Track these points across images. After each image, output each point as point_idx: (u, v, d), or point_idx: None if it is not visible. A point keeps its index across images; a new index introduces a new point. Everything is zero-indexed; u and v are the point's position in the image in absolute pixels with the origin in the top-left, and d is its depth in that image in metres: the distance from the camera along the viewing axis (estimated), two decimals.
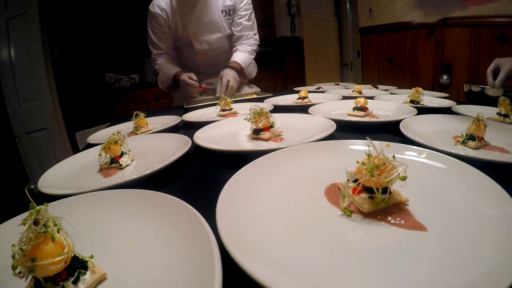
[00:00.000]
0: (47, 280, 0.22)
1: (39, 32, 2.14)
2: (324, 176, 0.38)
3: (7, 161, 1.77)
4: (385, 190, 0.30)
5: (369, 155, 0.30)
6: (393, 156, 0.31)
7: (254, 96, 1.31)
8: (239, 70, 1.30)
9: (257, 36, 1.40)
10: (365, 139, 0.34)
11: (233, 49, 1.37)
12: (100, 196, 0.36)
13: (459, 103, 0.89)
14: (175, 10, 1.25)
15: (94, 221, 0.32)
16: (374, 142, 0.32)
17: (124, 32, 2.76)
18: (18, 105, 2.20)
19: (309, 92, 1.14)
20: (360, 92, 1.15)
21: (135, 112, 0.80)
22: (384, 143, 0.44)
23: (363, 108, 0.75)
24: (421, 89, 0.90)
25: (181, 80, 1.27)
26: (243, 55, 1.33)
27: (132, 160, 0.55)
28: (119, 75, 2.70)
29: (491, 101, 0.81)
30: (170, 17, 1.26)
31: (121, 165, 0.52)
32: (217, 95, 1.24)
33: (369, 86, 1.40)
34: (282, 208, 0.32)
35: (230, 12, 1.32)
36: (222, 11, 1.29)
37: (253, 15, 1.38)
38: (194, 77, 1.27)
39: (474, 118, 0.51)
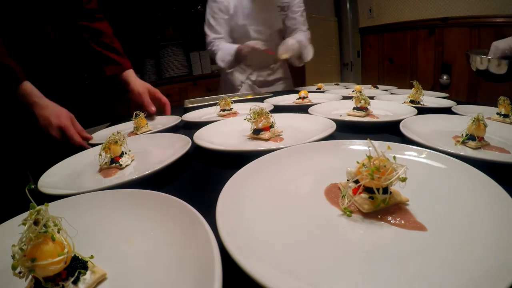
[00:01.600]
0: (47, 280, 0.22)
1: None
2: (324, 176, 0.38)
3: (7, 161, 1.76)
4: (385, 190, 0.30)
5: (369, 157, 0.30)
6: (394, 157, 0.31)
7: (254, 96, 1.33)
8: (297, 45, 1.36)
9: (308, 32, 1.49)
10: (366, 139, 0.34)
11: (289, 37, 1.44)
12: (100, 196, 0.36)
13: (459, 103, 0.89)
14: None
15: (94, 221, 0.32)
16: (374, 142, 0.32)
17: (124, 32, 2.76)
18: None
19: (309, 92, 1.14)
20: (360, 92, 1.15)
21: (135, 112, 0.80)
22: (384, 143, 0.44)
23: (363, 108, 0.75)
24: (419, 85, 0.90)
25: (246, 46, 1.29)
26: (299, 36, 1.42)
27: (132, 160, 0.55)
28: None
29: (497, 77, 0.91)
30: (231, 5, 1.34)
31: (121, 165, 0.52)
32: (278, 56, 1.31)
33: (369, 86, 1.40)
34: (282, 208, 0.32)
35: (285, 8, 1.42)
36: (277, 6, 1.40)
37: (305, 13, 1.49)
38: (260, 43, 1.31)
39: (474, 118, 0.51)
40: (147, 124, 0.82)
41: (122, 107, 2.59)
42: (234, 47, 1.34)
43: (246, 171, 0.38)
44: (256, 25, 1.38)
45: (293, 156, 0.44)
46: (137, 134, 0.77)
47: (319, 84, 1.45)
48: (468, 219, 0.28)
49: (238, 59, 1.35)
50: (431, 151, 0.41)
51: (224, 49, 1.37)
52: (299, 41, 1.32)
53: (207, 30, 1.40)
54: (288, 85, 1.60)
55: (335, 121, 0.63)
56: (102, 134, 0.82)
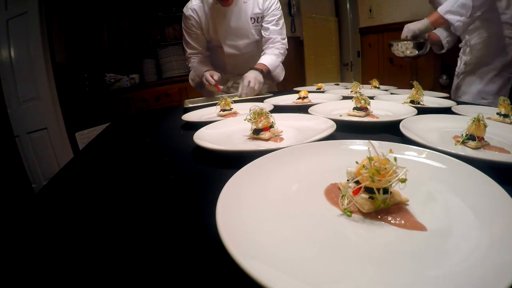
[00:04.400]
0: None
1: (39, 32, 2.13)
2: (324, 176, 0.38)
3: (7, 161, 1.77)
4: (385, 190, 0.30)
5: (370, 158, 0.30)
6: (395, 159, 0.31)
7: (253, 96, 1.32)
8: (264, 72, 1.33)
9: (285, 41, 1.44)
10: (366, 139, 0.33)
11: (262, 53, 1.42)
12: None
13: (459, 103, 0.89)
14: (207, 15, 1.32)
15: None
16: (374, 142, 0.31)
17: (124, 32, 2.76)
18: (18, 105, 2.20)
19: (309, 92, 1.14)
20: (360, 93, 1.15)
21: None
22: (385, 143, 0.44)
23: (363, 108, 0.75)
24: (419, 85, 0.91)
25: (203, 75, 1.35)
26: (270, 57, 1.38)
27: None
28: (119, 75, 2.70)
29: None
30: (203, 20, 1.34)
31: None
32: (238, 95, 1.29)
33: (369, 86, 1.40)
34: (282, 208, 0.32)
35: (259, 19, 1.38)
36: (250, 18, 1.36)
37: (281, 20, 1.42)
38: (216, 76, 1.34)
39: (474, 118, 0.51)
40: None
41: (122, 107, 2.59)
42: (202, 71, 1.38)
43: (246, 171, 0.38)
44: (230, 39, 1.37)
45: (293, 156, 0.44)
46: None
47: (319, 84, 1.45)
48: (468, 219, 0.28)
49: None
50: (431, 151, 0.41)
51: (195, 69, 1.43)
52: (255, 77, 1.27)
53: (184, 45, 1.44)
54: (263, 88, 1.53)
55: (335, 121, 0.63)
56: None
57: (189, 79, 1.51)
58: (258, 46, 1.45)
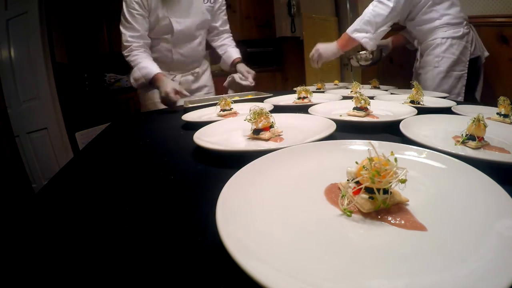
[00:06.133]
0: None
1: (39, 32, 2.14)
2: (324, 176, 0.38)
3: (7, 161, 1.77)
4: (385, 190, 0.30)
5: (370, 159, 0.30)
6: (395, 160, 0.31)
7: (253, 96, 1.33)
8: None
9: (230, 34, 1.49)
10: (365, 139, 0.33)
11: (219, 44, 1.43)
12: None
13: (459, 103, 0.89)
14: None
15: None
16: (374, 142, 0.31)
17: None
18: (18, 105, 2.20)
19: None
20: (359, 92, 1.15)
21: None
22: (385, 143, 0.44)
23: (363, 108, 0.75)
24: (419, 85, 0.91)
25: (164, 91, 1.13)
26: (237, 50, 1.42)
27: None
28: (119, 75, 2.70)
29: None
30: None
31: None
32: (248, 83, 1.32)
33: (369, 86, 1.41)
34: (282, 208, 0.32)
35: (211, 0, 1.34)
36: None
37: (225, 11, 1.44)
38: (183, 92, 1.18)
39: (474, 118, 0.51)
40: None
41: (122, 107, 2.59)
42: (152, 72, 1.18)
43: (246, 171, 0.38)
44: (180, 16, 1.25)
45: (293, 156, 0.44)
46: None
47: (319, 84, 1.45)
48: (468, 219, 0.28)
49: (153, 86, 1.21)
50: (431, 151, 0.41)
51: (141, 69, 1.20)
52: (248, 69, 1.35)
53: (122, 28, 1.23)
54: (211, 93, 1.52)
55: (335, 121, 0.63)
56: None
57: (130, 78, 1.25)
58: (205, 34, 1.39)
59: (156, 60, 1.29)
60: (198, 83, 1.46)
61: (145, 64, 1.21)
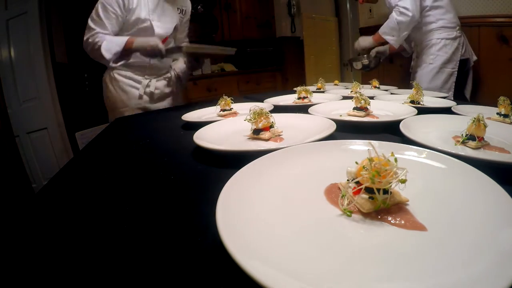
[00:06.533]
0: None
1: (39, 32, 2.13)
2: (324, 176, 0.38)
3: (7, 161, 1.77)
4: (385, 190, 0.30)
5: (370, 159, 0.30)
6: (396, 160, 0.31)
7: (218, 51, 1.48)
8: None
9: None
10: (365, 139, 0.33)
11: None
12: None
13: (459, 103, 0.89)
14: None
15: None
16: (374, 142, 0.31)
17: None
18: (18, 105, 2.20)
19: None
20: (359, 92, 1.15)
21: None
22: (385, 143, 0.44)
23: (363, 108, 0.75)
24: (419, 85, 0.91)
25: (153, 41, 1.15)
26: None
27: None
28: None
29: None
30: None
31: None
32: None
33: (369, 86, 1.40)
34: (282, 208, 0.32)
35: (183, 12, 1.43)
36: (177, 8, 1.38)
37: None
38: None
39: (474, 118, 0.51)
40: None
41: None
42: (124, 38, 1.18)
43: (246, 171, 0.38)
44: (159, 20, 1.27)
45: (293, 156, 0.44)
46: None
47: (319, 84, 1.45)
48: (468, 219, 0.28)
49: (128, 52, 1.20)
50: (431, 151, 0.41)
51: (111, 40, 1.17)
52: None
53: (91, 23, 1.19)
54: (176, 101, 1.52)
55: (335, 121, 0.63)
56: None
57: (102, 50, 1.16)
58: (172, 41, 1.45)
59: (132, 65, 1.31)
60: (169, 88, 1.48)
61: (113, 38, 1.19)
